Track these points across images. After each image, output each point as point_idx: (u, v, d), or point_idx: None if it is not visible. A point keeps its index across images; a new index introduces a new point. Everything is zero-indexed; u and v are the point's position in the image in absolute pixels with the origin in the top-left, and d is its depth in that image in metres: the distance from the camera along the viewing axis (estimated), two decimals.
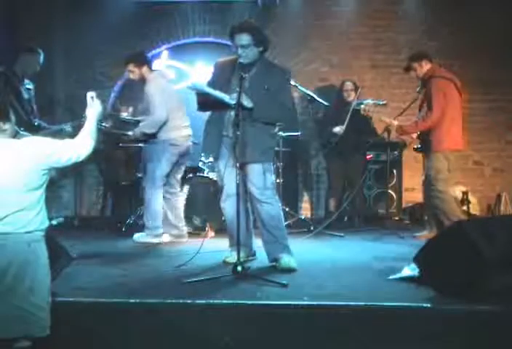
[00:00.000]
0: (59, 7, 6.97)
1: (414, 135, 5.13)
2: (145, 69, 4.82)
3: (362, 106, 5.45)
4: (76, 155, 2.67)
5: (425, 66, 4.86)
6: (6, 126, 2.64)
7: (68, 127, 4.95)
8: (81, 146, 2.70)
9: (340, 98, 5.99)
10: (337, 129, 5.65)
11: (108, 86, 7.20)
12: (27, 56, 4.80)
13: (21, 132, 4.67)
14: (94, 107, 2.83)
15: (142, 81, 4.83)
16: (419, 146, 5.12)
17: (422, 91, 5.03)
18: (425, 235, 4.91)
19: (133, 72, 4.83)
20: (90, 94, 2.86)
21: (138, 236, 4.85)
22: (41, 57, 4.84)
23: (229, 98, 3.44)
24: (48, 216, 2.67)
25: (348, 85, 5.94)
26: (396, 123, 5.04)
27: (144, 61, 4.87)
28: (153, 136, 4.77)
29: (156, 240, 4.75)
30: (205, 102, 3.62)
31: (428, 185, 4.78)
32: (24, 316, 2.44)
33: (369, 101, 5.67)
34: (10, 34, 6.64)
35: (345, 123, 5.53)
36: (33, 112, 4.90)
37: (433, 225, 4.91)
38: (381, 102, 5.62)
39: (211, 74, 3.80)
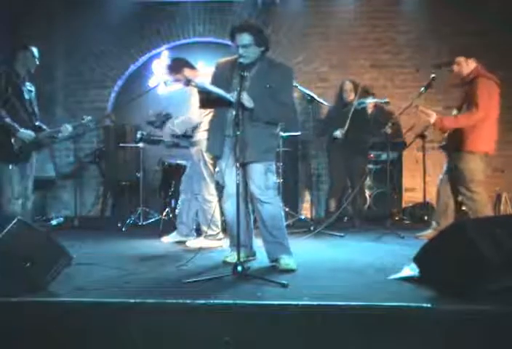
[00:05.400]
0: (59, 7, 6.99)
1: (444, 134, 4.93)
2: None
3: (368, 107, 5.44)
4: None
5: (471, 64, 4.74)
6: None
7: (68, 128, 4.95)
8: None
9: (341, 98, 5.98)
10: (337, 133, 5.63)
11: (108, 86, 7.21)
12: (23, 53, 4.80)
13: (22, 131, 4.70)
14: None
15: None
16: (444, 144, 4.91)
17: (426, 92, 4.96)
18: (427, 234, 4.89)
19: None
20: None
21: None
22: (36, 51, 4.84)
23: (230, 96, 3.44)
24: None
25: (348, 85, 5.91)
26: (435, 115, 4.73)
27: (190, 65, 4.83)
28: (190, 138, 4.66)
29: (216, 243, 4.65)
30: (207, 99, 3.62)
31: (462, 186, 4.67)
32: None
33: (371, 100, 5.66)
34: (10, 34, 6.65)
35: (346, 125, 5.50)
36: (34, 113, 4.90)
37: (440, 224, 4.86)
38: (383, 101, 5.60)
39: (212, 74, 3.80)
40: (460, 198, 4.77)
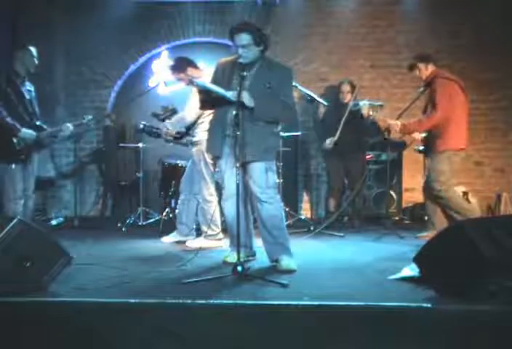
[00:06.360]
0: (59, 7, 6.98)
1: (419, 136, 5.12)
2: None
3: (362, 108, 5.43)
4: None
5: (430, 68, 4.92)
6: None
7: (69, 127, 4.95)
8: None
9: (337, 99, 5.97)
10: (328, 142, 5.64)
11: (108, 86, 7.21)
12: (23, 53, 4.81)
13: (23, 130, 4.70)
14: None
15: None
16: (421, 147, 5.11)
17: (425, 93, 5.04)
18: (427, 235, 4.89)
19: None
20: None
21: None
22: (35, 51, 4.84)
23: (231, 95, 3.44)
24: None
25: (345, 87, 5.89)
26: (399, 122, 4.97)
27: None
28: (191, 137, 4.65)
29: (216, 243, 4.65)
30: (208, 99, 3.62)
31: (430, 186, 4.80)
32: None
33: (366, 102, 5.65)
34: (10, 35, 6.64)
35: (337, 133, 5.48)
36: (34, 113, 4.90)
37: (434, 225, 4.90)
38: (377, 103, 5.60)
39: (213, 74, 3.81)
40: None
